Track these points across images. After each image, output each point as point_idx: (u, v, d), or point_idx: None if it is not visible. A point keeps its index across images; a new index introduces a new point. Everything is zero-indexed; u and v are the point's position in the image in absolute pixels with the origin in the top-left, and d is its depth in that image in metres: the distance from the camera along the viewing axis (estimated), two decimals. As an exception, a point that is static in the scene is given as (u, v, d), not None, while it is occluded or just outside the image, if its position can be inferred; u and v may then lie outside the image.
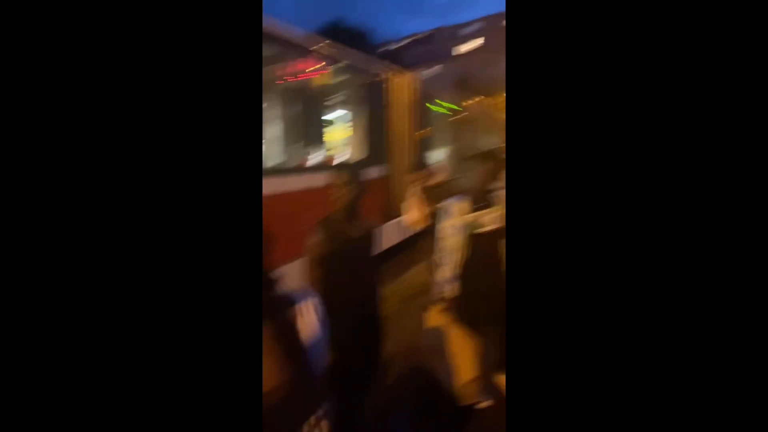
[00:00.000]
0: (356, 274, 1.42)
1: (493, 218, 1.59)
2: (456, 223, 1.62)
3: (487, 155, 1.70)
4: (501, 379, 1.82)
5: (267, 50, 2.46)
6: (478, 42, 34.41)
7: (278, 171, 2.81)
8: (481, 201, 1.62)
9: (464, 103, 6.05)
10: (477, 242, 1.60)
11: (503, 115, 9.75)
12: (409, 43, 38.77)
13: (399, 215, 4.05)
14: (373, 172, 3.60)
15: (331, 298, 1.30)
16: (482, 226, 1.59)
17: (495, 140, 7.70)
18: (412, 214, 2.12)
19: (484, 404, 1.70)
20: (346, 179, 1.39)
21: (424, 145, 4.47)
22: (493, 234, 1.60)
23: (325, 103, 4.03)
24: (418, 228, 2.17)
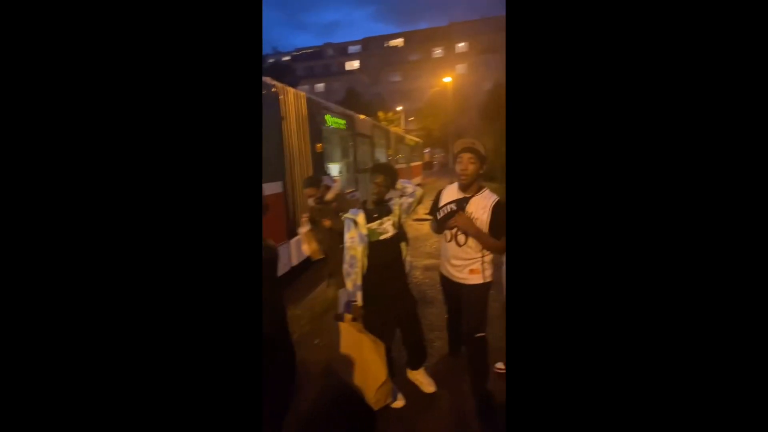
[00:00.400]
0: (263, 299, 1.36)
1: (391, 225, 1.72)
2: (358, 233, 1.69)
3: (381, 167, 1.82)
4: (413, 377, 1.95)
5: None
6: (356, 62, 36.11)
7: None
8: (378, 210, 1.73)
9: (360, 117, 6.30)
10: (379, 249, 1.70)
11: (393, 130, 10.47)
12: (298, 56, 38.41)
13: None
14: (270, 189, 3.46)
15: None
16: (383, 233, 1.70)
17: (386, 154, 8.20)
18: (305, 248, 2.13)
19: (397, 404, 1.79)
20: None
21: (319, 159, 4.50)
22: (391, 240, 1.73)
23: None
24: (317, 258, 2.17)
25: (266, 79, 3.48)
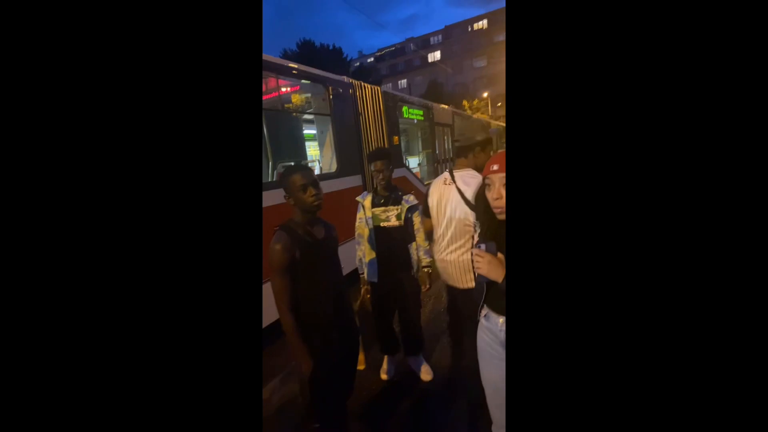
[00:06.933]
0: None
1: (394, 216, 1.78)
2: (365, 215, 1.81)
3: (375, 154, 1.79)
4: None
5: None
6: (438, 53, 34.95)
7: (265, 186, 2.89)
8: (386, 198, 1.81)
9: (439, 107, 6.27)
10: (382, 235, 1.79)
11: (477, 117, 10.05)
12: (381, 55, 39.52)
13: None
14: (351, 182, 3.72)
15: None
16: (386, 221, 1.79)
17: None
18: None
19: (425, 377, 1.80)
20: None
21: (398, 151, 4.63)
22: (396, 230, 1.79)
23: (304, 118, 4.17)
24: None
25: (344, 78, 3.75)
